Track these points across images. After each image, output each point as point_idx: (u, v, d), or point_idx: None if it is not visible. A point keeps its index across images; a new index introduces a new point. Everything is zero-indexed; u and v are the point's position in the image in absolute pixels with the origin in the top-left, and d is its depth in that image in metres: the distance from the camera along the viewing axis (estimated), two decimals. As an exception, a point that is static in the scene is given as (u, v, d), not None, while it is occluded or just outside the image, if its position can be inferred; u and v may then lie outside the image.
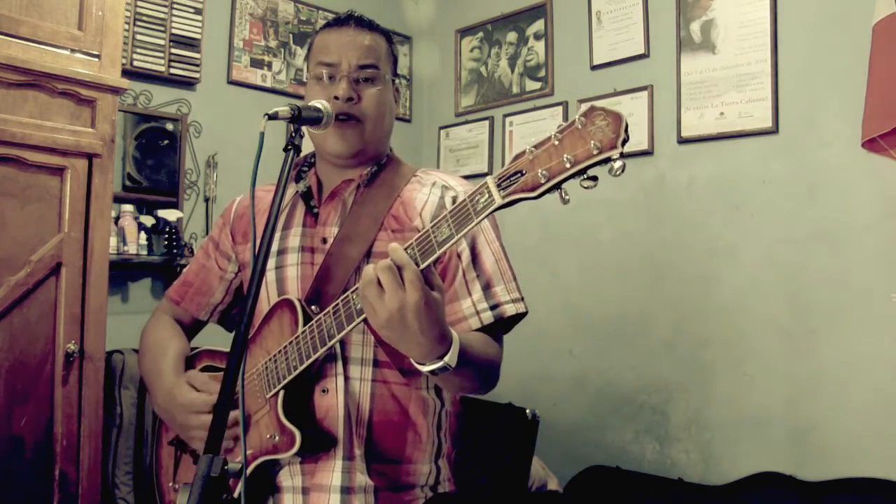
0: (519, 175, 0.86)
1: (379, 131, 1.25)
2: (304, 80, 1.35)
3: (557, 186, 0.84)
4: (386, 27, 1.33)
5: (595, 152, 0.80)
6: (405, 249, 0.94)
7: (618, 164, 0.80)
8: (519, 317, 1.20)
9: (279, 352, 1.13)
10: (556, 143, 0.83)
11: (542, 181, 0.84)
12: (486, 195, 0.88)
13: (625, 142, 0.79)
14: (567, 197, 0.85)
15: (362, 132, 1.22)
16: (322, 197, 1.27)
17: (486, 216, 0.89)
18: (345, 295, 1.04)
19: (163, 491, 1.33)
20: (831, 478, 2.25)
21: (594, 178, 0.83)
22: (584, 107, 0.83)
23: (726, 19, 2.59)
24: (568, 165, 0.82)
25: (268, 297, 1.23)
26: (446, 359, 0.98)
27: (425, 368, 1.00)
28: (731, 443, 2.51)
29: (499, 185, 0.87)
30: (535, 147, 0.85)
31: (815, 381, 2.33)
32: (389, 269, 0.92)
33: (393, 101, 1.29)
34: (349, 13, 1.28)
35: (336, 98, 1.19)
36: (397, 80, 1.32)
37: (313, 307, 1.15)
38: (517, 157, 0.87)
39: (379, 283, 0.93)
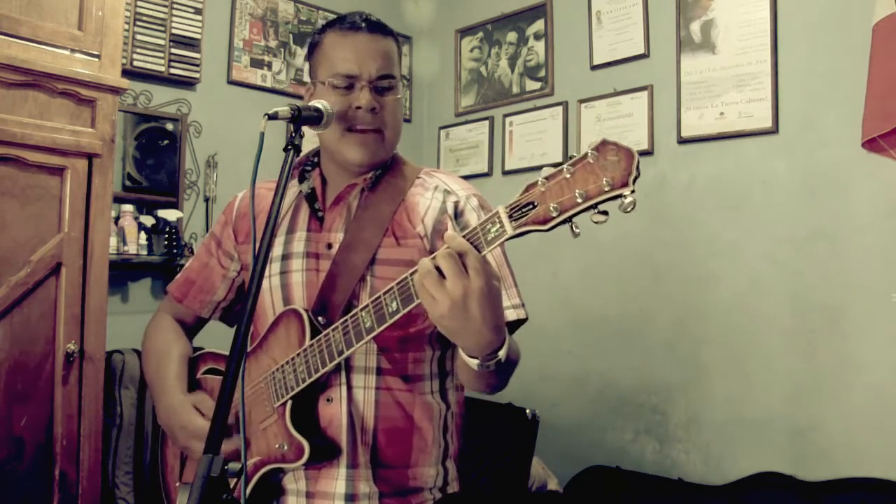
0: (531, 207, 0.86)
1: (396, 139, 1.26)
2: (304, 80, 1.34)
3: (568, 220, 0.85)
4: (386, 27, 1.32)
5: (607, 188, 0.81)
6: (410, 275, 0.95)
7: (629, 199, 0.81)
8: (519, 322, 1.20)
9: (287, 362, 1.13)
10: (568, 176, 0.84)
11: (554, 215, 0.85)
12: (498, 225, 0.89)
13: (636, 179, 0.80)
14: (578, 230, 0.85)
15: (383, 141, 1.21)
16: (326, 199, 1.26)
17: (497, 246, 0.90)
18: (353, 312, 1.04)
19: (169, 490, 1.33)
20: (831, 478, 2.25)
21: (605, 213, 0.84)
22: (596, 139, 0.83)
23: (726, 19, 2.59)
24: (580, 200, 0.83)
25: (272, 302, 1.22)
26: (500, 353, 0.96)
27: (475, 363, 0.96)
28: (731, 443, 2.51)
29: (510, 216, 0.88)
30: (547, 178, 0.86)
31: (815, 381, 2.33)
32: (450, 255, 0.90)
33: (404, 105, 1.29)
34: (360, 15, 1.23)
35: (358, 108, 1.17)
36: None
37: (320, 318, 1.15)
38: (529, 188, 0.87)
39: (439, 271, 0.90)
